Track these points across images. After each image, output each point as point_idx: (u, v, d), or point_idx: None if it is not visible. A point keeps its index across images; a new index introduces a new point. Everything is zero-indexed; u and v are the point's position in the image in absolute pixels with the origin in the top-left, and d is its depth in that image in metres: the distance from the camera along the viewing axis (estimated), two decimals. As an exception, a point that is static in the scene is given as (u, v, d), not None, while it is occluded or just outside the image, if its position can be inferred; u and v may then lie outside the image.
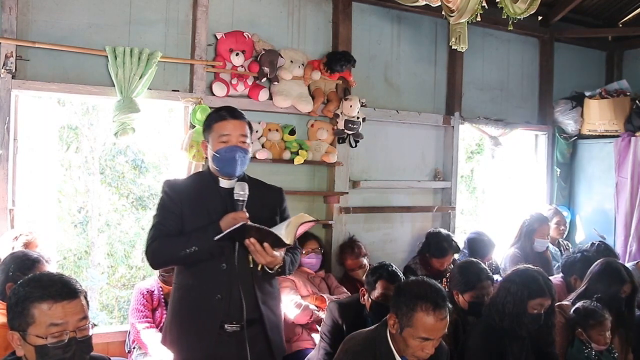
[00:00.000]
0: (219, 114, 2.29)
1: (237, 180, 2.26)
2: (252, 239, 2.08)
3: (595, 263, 3.25)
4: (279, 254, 2.16)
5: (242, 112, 2.34)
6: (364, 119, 4.04)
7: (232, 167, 2.24)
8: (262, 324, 2.26)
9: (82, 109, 8.66)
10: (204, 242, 2.14)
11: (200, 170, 3.21)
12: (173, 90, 3.53)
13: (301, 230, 2.17)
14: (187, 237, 2.18)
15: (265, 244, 2.09)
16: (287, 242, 2.09)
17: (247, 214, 2.18)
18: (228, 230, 2.08)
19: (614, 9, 5.25)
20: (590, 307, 2.94)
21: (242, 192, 2.20)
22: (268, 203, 2.36)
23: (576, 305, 3.00)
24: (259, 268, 2.17)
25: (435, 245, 3.99)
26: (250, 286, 2.22)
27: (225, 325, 2.20)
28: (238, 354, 2.20)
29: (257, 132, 3.76)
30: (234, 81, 3.64)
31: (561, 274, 3.79)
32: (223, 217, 2.17)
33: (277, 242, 2.10)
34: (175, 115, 3.73)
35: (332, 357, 2.51)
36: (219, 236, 2.10)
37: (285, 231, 2.11)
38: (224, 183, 2.29)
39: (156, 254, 2.21)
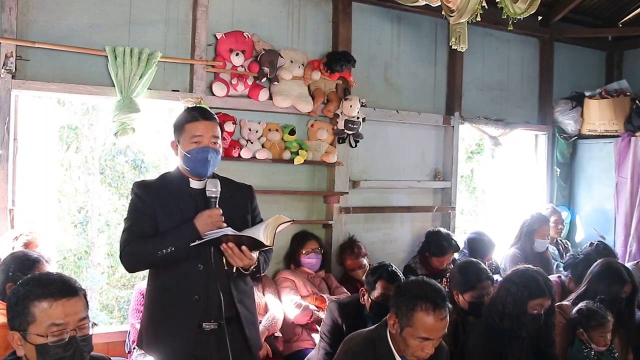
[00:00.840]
0: (191, 114, 2.28)
1: (208, 178, 2.26)
2: (229, 244, 2.09)
3: (595, 263, 3.25)
4: (255, 255, 2.16)
5: (213, 112, 2.34)
6: (364, 119, 4.04)
7: (204, 167, 2.23)
8: (239, 322, 2.26)
9: (82, 109, 8.65)
10: (180, 241, 2.12)
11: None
12: (173, 90, 3.53)
13: (278, 230, 2.17)
14: (161, 238, 2.15)
15: (244, 247, 2.10)
16: (267, 243, 2.10)
17: (221, 210, 2.18)
18: (206, 239, 2.09)
19: (614, 9, 5.25)
20: (593, 308, 2.93)
21: (214, 189, 2.20)
22: (239, 202, 2.35)
23: (579, 306, 2.99)
24: (234, 270, 2.17)
25: (435, 244, 3.99)
26: (227, 286, 2.22)
27: (203, 324, 2.20)
28: (217, 353, 2.20)
29: (257, 132, 3.76)
30: (234, 81, 3.64)
31: (558, 274, 3.79)
32: (197, 216, 2.16)
33: (256, 245, 2.11)
34: (175, 115, 3.71)
35: (332, 357, 2.52)
36: (195, 243, 2.10)
37: (263, 233, 2.12)
38: (194, 184, 2.28)
39: (131, 257, 2.17)
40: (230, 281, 2.23)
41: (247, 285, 2.35)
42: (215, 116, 2.34)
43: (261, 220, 2.34)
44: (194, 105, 3.43)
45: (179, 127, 2.28)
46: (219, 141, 2.29)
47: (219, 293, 2.19)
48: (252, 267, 2.20)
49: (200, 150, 2.21)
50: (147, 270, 2.32)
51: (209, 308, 2.20)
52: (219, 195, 2.21)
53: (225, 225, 2.16)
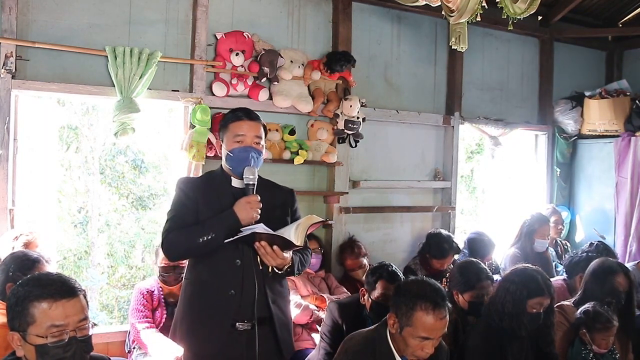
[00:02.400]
0: (235, 114, 2.33)
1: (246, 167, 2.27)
2: (262, 242, 2.11)
3: (591, 264, 3.25)
4: (287, 255, 2.18)
5: (256, 113, 2.36)
6: (364, 119, 4.04)
7: (245, 166, 2.25)
8: (272, 323, 2.28)
9: (82, 109, 8.66)
10: (220, 228, 2.15)
11: (210, 169, 3.21)
12: (173, 90, 3.53)
13: (310, 230, 2.19)
14: (202, 225, 2.19)
15: (275, 247, 2.12)
16: (297, 243, 2.11)
17: (259, 197, 2.21)
18: (238, 236, 2.11)
19: (614, 9, 5.25)
20: (600, 311, 2.92)
21: (251, 176, 2.23)
22: (280, 204, 2.38)
23: (585, 307, 2.98)
24: (269, 270, 2.20)
25: (436, 246, 3.98)
26: (262, 285, 2.24)
27: (237, 324, 2.22)
28: (247, 353, 2.22)
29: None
30: (234, 81, 3.64)
31: (563, 276, 3.78)
32: (236, 203, 2.19)
33: (286, 245, 2.13)
34: (175, 115, 3.73)
35: (332, 357, 2.51)
36: (229, 239, 2.12)
37: (294, 233, 2.13)
38: (236, 182, 2.31)
39: (173, 244, 2.23)
40: (265, 281, 2.25)
41: (283, 287, 2.38)
42: (260, 117, 2.36)
43: None
44: (195, 104, 3.45)
45: (224, 127, 2.33)
46: (262, 142, 2.32)
47: (255, 289, 2.21)
48: (287, 268, 2.22)
49: (242, 150, 2.25)
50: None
51: (243, 304, 2.22)
52: (256, 183, 2.24)
53: (258, 215, 2.19)
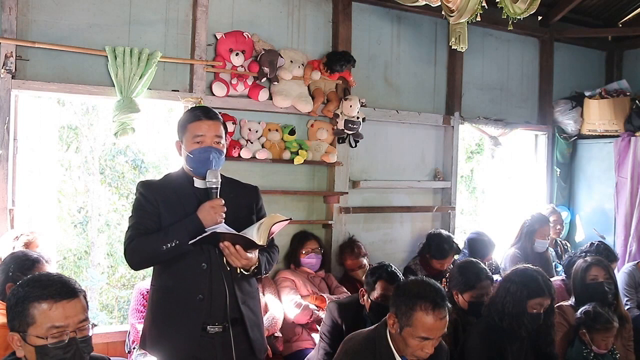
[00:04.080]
0: (193, 114, 2.26)
1: (208, 170, 2.23)
2: (225, 242, 2.08)
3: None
4: (253, 255, 2.15)
5: (216, 111, 2.32)
6: (363, 119, 4.04)
7: (206, 167, 2.21)
8: (243, 324, 2.24)
9: (82, 109, 8.65)
10: (184, 234, 2.10)
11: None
12: (173, 90, 3.53)
13: (275, 229, 2.16)
14: (165, 232, 2.13)
15: (238, 247, 2.08)
16: (260, 243, 2.09)
17: (223, 201, 2.17)
18: (201, 236, 2.07)
19: (614, 9, 5.25)
20: (600, 311, 2.93)
21: (214, 179, 2.19)
22: (244, 202, 2.34)
23: (586, 307, 2.99)
24: (237, 271, 2.16)
25: (436, 246, 3.98)
26: (231, 286, 2.21)
27: (208, 327, 2.18)
28: (222, 356, 2.18)
29: (257, 132, 3.76)
30: (234, 81, 3.64)
31: (562, 276, 3.79)
32: (199, 207, 2.15)
33: (249, 244, 2.10)
34: (175, 115, 3.73)
35: (332, 357, 2.51)
36: (192, 241, 2.08)
37: (257, 232, 2.11)
38: (198, 183, 2.27)
39: (136, 252, 2.15)
40: (234, 282, 2.21)
41: (252, 287, 2.33)
42: (219, 115, 2.32)
43: None
44: (195, 104, 3.44)
45: (182, 127, 2.27)
46: (223, 140, 2.27)
47: (225, 293, 2.18)
48: (253, 268, 2.18)
49: (202, 151, 2.20)
50: (151, 269, 2.31)
51: (213, 308, 2.18)
52: (219, 186, 2.20)
53: (222, 219, 2.15)
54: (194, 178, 2.28)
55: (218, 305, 2.18)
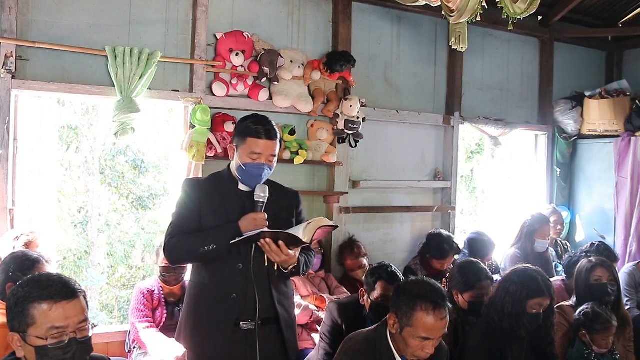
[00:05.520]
0: (256, 130, 2.25)
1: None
2: (266, 239, 2.13)
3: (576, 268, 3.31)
4: (293, 253, 2.19)
5: (275, 129, 2.30)
6: (364, 119, 4.04)
7: (254, 181, 2.27)
8: (278, 323, 2.30)
9: (82, 109, 8.65)
10: (223, 240, 2.17)
11: (209, 169, 3.20)
12: (173, 90, 3.53)
13: (319, 233, 2.20)
14: (205, 235, 2.21)
15: (280, 242, 2.13)
16: (304, 240, 2.13)
17: (266, 215, 2.22)
18: (244, 237, 2.13)
19: (614, 9, 5.25)
20: (599, 311, 2.93)
21: (262, 194, 2.24)
22: (285, 206, 2.40)
23: (585, 308, 2.99)
24: (275, 267, 2.21)
25: (436, 246, 3.98)
26: (267, 286, 2.27)
27: (241, 323, 2.24)
28: (251, 352, 2.24)
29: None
30: (234, 81, 3.64)
31: (562, 277, 3.79)
32: (242, 217, 2.21)
33: (291, 241, 2.14)
34: (175, 115, 3.73)
35: (332, 357, 2.52)
36: (235, 240, 2.14)
37: (303, 231, 2.15)
38: (243, 186, 2.32)
39: (174, 250, 2.25)
40: (270, 282, 2.27)
41: (288, 288, 2.40)
42: (278, 133, 2.33)
43: None
44: (195, 105, 3.44)
45: (241, 136, 2.28)
46: (275, 159, 2.32)
47: (257, 292, 2.23)
48: (292, 267, 2.24)
49: (256, 167, 2.25)
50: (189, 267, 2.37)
51: (246, 307, 2.24)
52: (266, 201, 2.24)
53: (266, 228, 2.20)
54: (239, 182, 2.33)
55: (251, 304, 2.24)
